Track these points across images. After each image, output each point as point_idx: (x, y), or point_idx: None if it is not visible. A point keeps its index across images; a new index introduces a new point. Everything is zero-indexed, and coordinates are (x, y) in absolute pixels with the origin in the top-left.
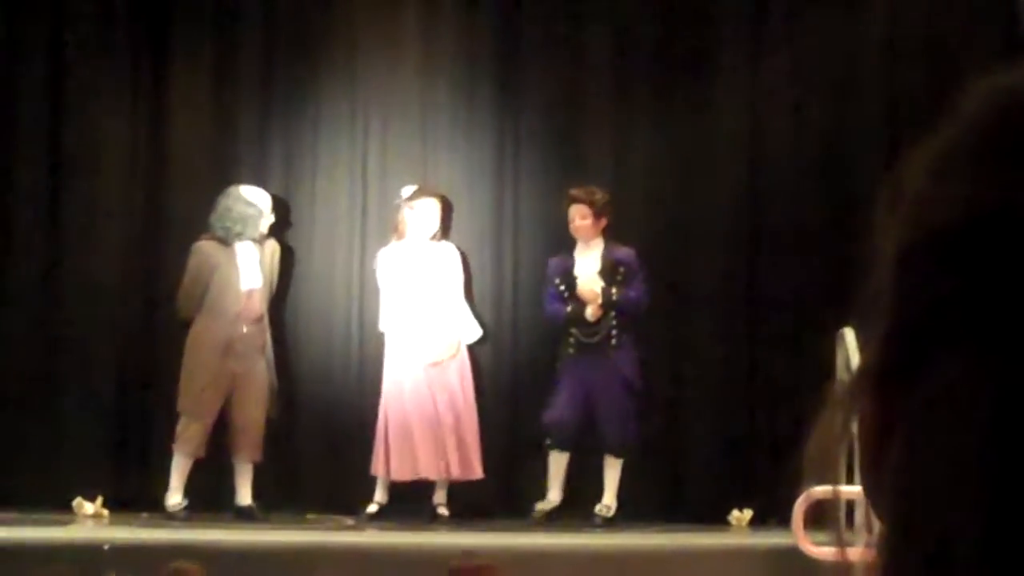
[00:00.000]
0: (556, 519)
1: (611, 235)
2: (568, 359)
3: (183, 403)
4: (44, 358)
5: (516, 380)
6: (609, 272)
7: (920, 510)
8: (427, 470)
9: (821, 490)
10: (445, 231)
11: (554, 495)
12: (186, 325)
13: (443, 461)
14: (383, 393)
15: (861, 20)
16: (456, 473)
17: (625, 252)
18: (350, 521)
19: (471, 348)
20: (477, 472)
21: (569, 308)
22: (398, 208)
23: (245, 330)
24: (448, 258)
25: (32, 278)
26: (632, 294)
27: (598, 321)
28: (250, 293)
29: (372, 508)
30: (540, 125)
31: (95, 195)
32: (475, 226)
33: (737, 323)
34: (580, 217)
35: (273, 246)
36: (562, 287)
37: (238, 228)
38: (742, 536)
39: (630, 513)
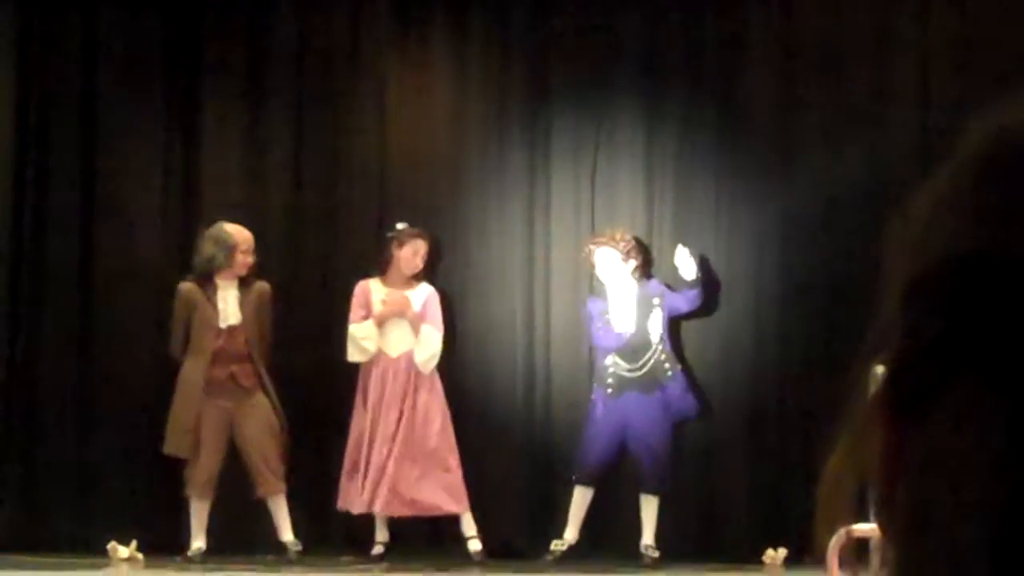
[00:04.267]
0: (577, 558)
1: (643, 276)
2: (606, 397)
3: (167, 444)
4: (78, 404)
5: (550, 420)
6: (647, 308)
7: (929, 542)
8: (365, 504)
9: (857, 528)
10: (427, 272)
11: (570, 533)
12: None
13: (380, 496)
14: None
15: (893, 56)
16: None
17: (654, 284)
18: (385, 564)
19: (507, 387)
20: (451, 507)
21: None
22: (388, 242)
23: (232, 369)
24: (425, 299)
25: (66, 324)
26: (683, 308)
27: (642, 354)
28: (231, 331)
29: (378, 549)
30: (570, 166)
31: (128, 240)
32: (504, 268)
33: (770, 364)
34: (606, 262)
35: (261, 287)
36: (600, 326)
37: (209, 266)
38: (777, 575)
39: (664, 554)
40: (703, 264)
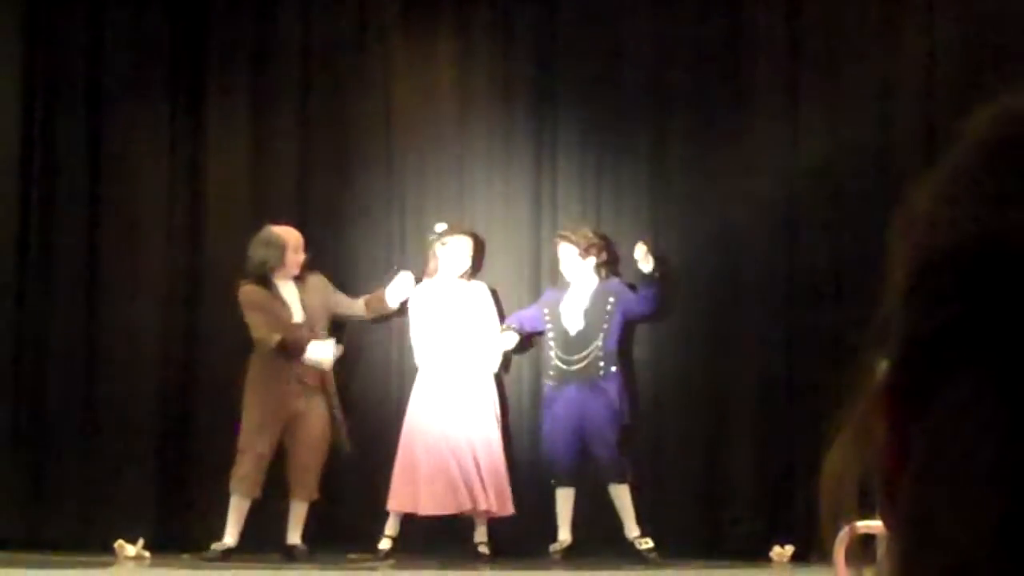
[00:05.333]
0: (584, 555)
1: (609, 274)
2: (550, 393)
3: (241, 441)
4: (86, 403)
5: None
6: (597, 306)
7: (933, 533)
8: (452, 505)
9: (864, 524)
10: (476, 269)
11: (564, 534)
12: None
13: (471, 496)
14: (406, 428)
15: (898, 51)
16: (488, 507)
17: (613, 283)
18: (391, 561)
19: (507, 386)
20: (508, 508)
21: (552, 335)
22: (431, 245)
23: (298, 368)
24: (479, 297)
25: (74, 324)
26: (637, 310)
27: (582, 349)
28: (296, 328)
29: (385, 544)
30: (576, 161)
31: (134, 244)
32: (511, 262)
33: (777, 360)
34: (566, 257)
35: (317, 281)
36: (546, 313)
37: (263, 268)
38: (784, 573)
39: (671, 551)
40: (662, 263)
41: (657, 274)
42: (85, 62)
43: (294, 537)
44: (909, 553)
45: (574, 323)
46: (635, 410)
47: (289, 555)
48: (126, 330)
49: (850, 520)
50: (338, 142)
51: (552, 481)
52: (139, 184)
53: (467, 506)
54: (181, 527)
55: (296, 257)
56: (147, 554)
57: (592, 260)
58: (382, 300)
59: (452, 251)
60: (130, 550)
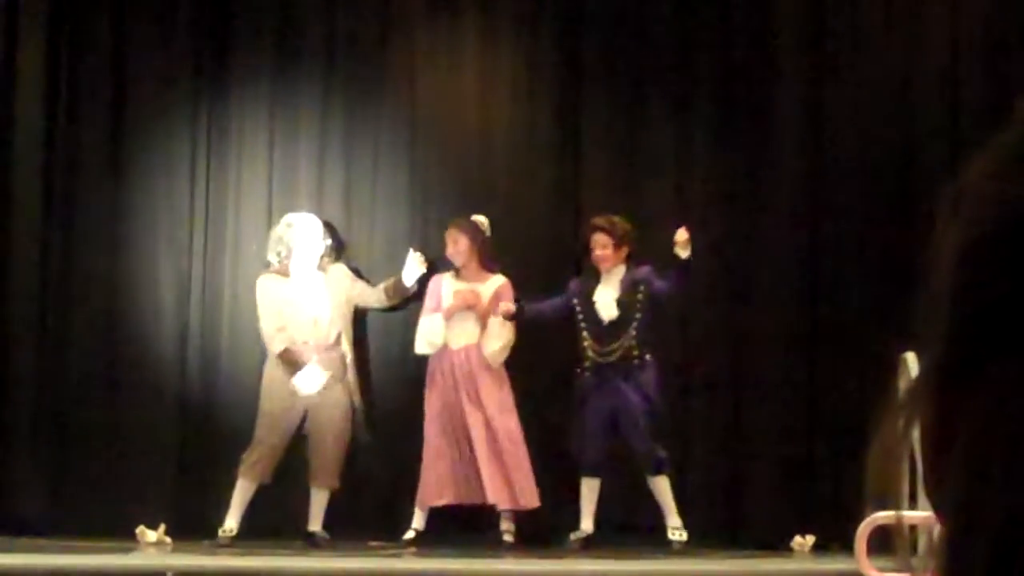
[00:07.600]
0: (606, 544)
1: (634, 264)
2: (584, 383)
3: (257, 431)
4: (107, 389)
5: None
6: (630, 294)
7: (983, 510)
8: (451, 495)
9: (885, 515)
10: (485, 258)
11: (586, 524)
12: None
13: (472, 488)
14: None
15: (922, 36)
16: (497, 502)
17: (643, 270)
18: (413, 548)
19: (531, 375)
20: (528, 502)
21: (585, 326)
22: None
23: (317, 358)
24: (495, 290)
25: (95, 313)
26: (659, 285)
27: (617, 339)
28: (316, 320)
29: (410, 534)
30: (601, 150)
31: (156, 232)
32: (534, 251)
33: (799, 347)
34: (600, 246)
35: (341, 270)
36: (578, 308)
37: (286, 256)
38: (805, 562)
39: (692, 540)
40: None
41: (690, 263)
42: (109, 50)
43: (315, 525)
44: (957, 531)
45: (608, 313)
46: (665, 395)
47: (310, 542)
48: (146, 320)
49: (896, 503)
50: (360, 130)
51: (580, 471)
52: (160, 181)
53: (466, 499)
54: (202, 513)
55: (315, 246)
56: (168, 540)
57: (626, 249)
58: (400, 282)
59: (448, 245)
60: (151, 536)
